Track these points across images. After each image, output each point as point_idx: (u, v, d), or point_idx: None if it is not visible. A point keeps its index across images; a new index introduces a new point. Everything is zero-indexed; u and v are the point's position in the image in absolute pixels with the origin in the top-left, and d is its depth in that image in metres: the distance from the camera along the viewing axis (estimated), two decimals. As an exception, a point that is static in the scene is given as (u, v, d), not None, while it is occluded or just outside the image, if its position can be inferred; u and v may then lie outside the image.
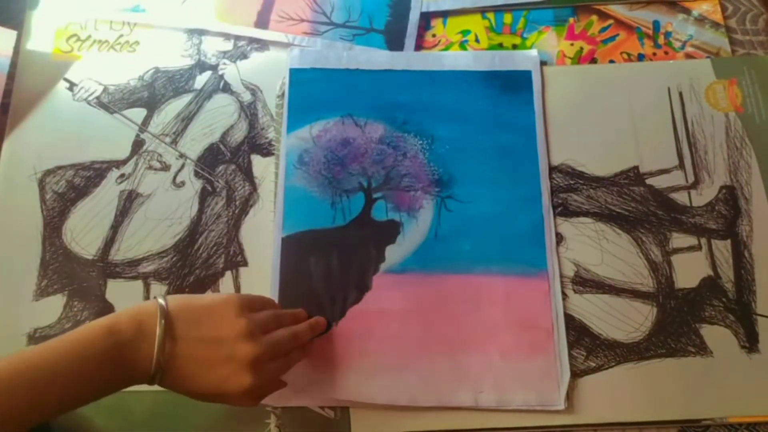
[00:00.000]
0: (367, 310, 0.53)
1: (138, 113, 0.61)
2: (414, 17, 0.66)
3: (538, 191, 0.57)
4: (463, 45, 0.65)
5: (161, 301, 0.42)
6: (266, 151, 0.60)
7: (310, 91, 0.61)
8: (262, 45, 0.65)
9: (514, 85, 0.61)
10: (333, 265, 0.55)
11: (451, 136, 0.59)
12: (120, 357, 0.40)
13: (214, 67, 0.64)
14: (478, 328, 0.53)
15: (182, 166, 0.59)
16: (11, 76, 0.62)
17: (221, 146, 0.60)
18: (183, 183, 0.59)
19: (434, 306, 0.53)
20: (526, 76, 0.62)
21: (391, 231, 0.56)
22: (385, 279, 0.54)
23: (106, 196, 0.58)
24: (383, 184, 0.58)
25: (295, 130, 0.60)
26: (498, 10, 0.67)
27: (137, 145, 0.60)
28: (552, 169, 0.59)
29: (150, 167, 0.59)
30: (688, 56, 0.64)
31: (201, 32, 0.65)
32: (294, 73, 0.62)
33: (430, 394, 0.51)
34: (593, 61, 0.64)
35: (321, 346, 0.52)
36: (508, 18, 0.67)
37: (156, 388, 0.42)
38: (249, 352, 0.42)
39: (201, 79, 0.63)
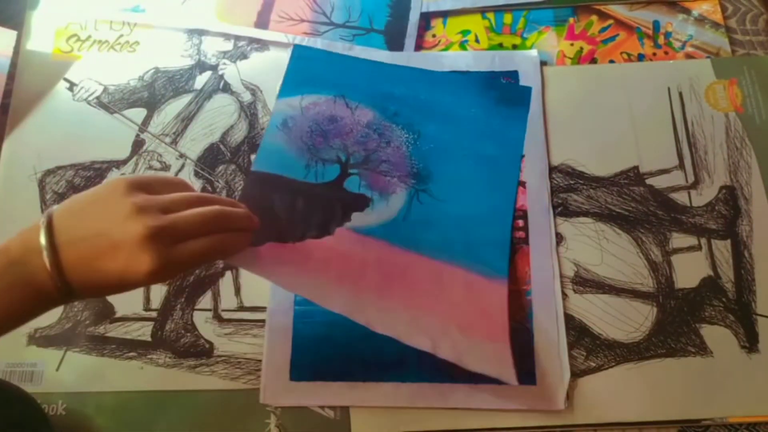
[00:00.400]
0: (325, 245, 0.53)
1: (138, 113, 0.61)
2: (414, 17, 0.66)
3: (510, 206, 0.57)
4: (463, 45, 0.65)
5: (52, 209, 0.38)
6: (266, 151, 0.60)
7: (310, 67, 0.62)
8: (262, 45, 0.65)
9: (511, 98, 0.61)
10: (297, 206, 0.54)
11: (438, 136, 0.59)
12: (18, 277, 0.36)
13: (214, 67, 0.64)
14: (438, 299, 0.52)
15: (182, 166, 0.59)
16: (11, 76, 0.62)
17: (221, 146, 0.60)
18: (183, 183, 0.59)
19: (395, 271, 0.53)
20: (525, 91, 0.61)
21: (360, 202, 0.56)
22: (347, 233, 0.54)
23: (106, 196, 0.58)
24: (361, 163, 0.58)
25: (285, 97, 0.60)
26: (498, 10, 0.67)
27: (137, 145, 0.60)
28: (552, 169, 0.59)
29: (150, 167, 0.59)
30: (688, 56, 0.65)
31: (201, 32, 0.65)
32: (298, 48, 0.63)
33: (386, 325, 0.49)
34: (593, 61, 0.64)
35: (277, 248, 0.51)
36: (508, 18, 0.67)
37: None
38: (136, 230, 0.36)
39: (201, 79, 0.63)
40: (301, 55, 0.63)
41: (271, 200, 0.55)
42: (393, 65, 0.63)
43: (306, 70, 0.62)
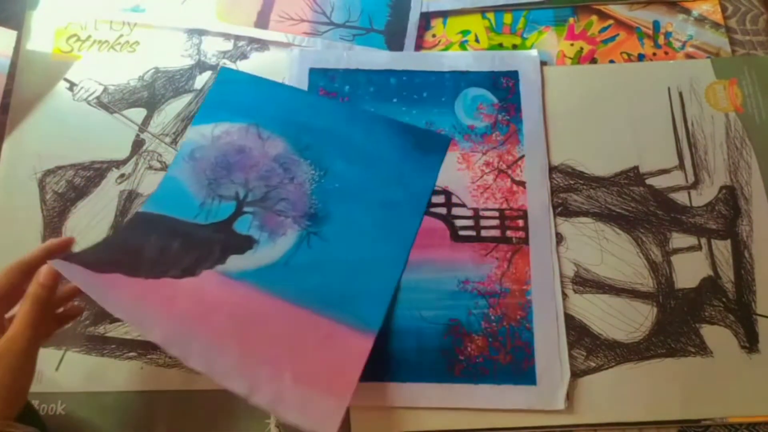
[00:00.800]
0: (178, 287, 0.50)
1: (138, 113, 0.61)
2: (414, 17, 0.66)
3: (402, 258, 0.55)
4: (463, 45, 0.65)
5: None
6: (266, 151, 0.60)
7: (231, 91, 0.61)
8: (262, 45, 0.65)
9: (428, 145, 0.59)
10: (170, 247, 0.53)
11: (345, 175, 0.58)
12: None
13: (214, 67, 0.64)
14: (286, 347, 0.50)
15: (182, 166, 0.59)
16: (11, 76, 0.62)
17: (221, 146, 0.60)
18: (183, 183, 0.59)
19: (250, 317, 0.51)
20: (442, 140, 0.60)
21: (243, 244, 0.55)
22: (213, 276, 0.52)
23: (106, 196, 0.58)
24: (258, 200, 0.57)
25: (199, 125, 0.60)
26: (498, 10, 0.67)
27: (137, 145, 0.60)
28: (552, 169, 0.59)
29: (150, 167, 0.59)
30: (688, 56, 0.65)
31: (201, 32, 0.65)
32: (223, 71, 0.63)
33: (202, 362, 0.46)
34: (593, 61, 0.64)
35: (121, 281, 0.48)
36: (508, 18, 0.67)
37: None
38: None
39: (201, 79, 0.63)
40: (224, 78, 0.62)
41: (145, 240, 0.53)
42: (317, 96, 0.61)
43: (225, 94, 0.61)
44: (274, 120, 0.60)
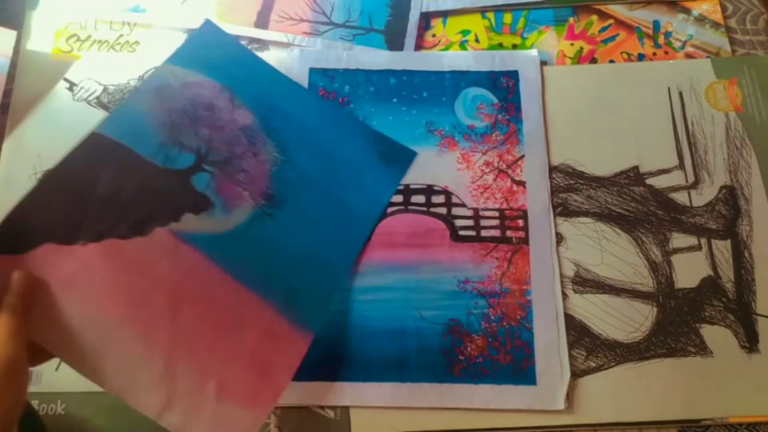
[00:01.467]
0: (124, 250, 0.45)
1: (138, 113, 0.61)
2: (414, 17, 0.66)
3: (348, 263, 0.55)
4: (463, 45, 0.65)
5: None
6: (266, 151, 0.60)
7: (213, 47, 0.59)
8: (262, 45, 0.65)
9: (394, 158, 0.59)
10: (124, 191, 0.47)
11: (307, 168, 0.57)
12: None
13: (214, 67, 0.63)
14: (217, 345, 0.47)
15: (182, 166, 0.59)
16: (11, 76, 0.62)
17: (221, 146, 0.60)
18: (182, 183, 0.58)
19: (192, 293, 0.47)
20: (408, 155, 0.59)
21: (199, 202, 0.51)
22: (165, 236, 0.48)
23: (105, 196, 0.58)
24: (219, 162, 0.54)
25: (174, 65, 0.55)
26: (498, 10, 0.67)
27: (137, 145, 0.60)
28: (552, 169, 0.59)
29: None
30: (688, 56, 0.65)
31: (201, 32, 0.65)
32: (208, 24, 0.60)
33: (116, 376, 0.43)
34: (593, 61, 0.64)
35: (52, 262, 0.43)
36: (508, 18, 0.67)
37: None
38: None
39: (201, 79, 0.63)
40: (209, 30, 0.60)
41: (99, 173, 0.47)
42: (297, 84, 0.61)
43: (208, 47, 0.58)
44: (249, 91, 0.58)
